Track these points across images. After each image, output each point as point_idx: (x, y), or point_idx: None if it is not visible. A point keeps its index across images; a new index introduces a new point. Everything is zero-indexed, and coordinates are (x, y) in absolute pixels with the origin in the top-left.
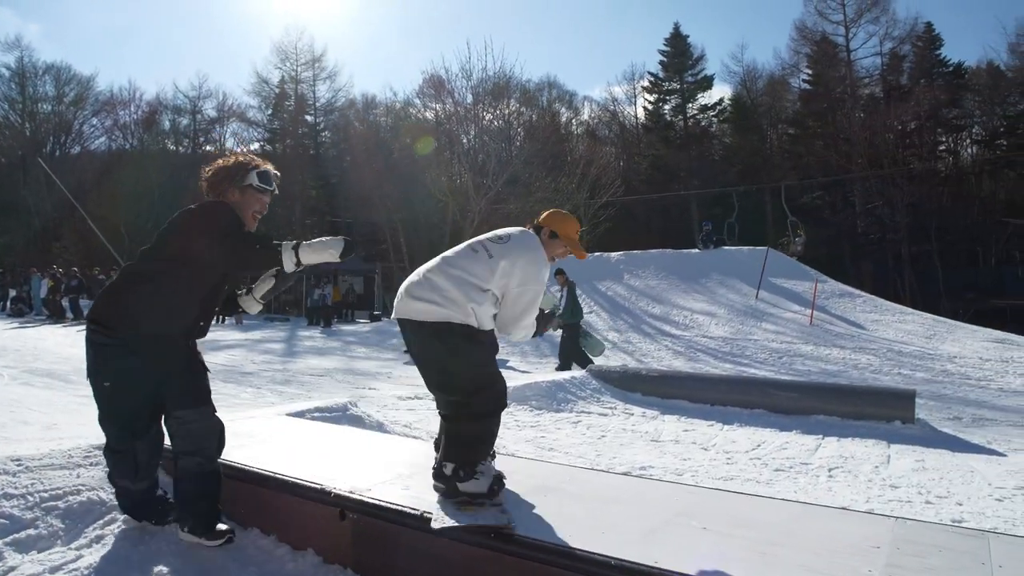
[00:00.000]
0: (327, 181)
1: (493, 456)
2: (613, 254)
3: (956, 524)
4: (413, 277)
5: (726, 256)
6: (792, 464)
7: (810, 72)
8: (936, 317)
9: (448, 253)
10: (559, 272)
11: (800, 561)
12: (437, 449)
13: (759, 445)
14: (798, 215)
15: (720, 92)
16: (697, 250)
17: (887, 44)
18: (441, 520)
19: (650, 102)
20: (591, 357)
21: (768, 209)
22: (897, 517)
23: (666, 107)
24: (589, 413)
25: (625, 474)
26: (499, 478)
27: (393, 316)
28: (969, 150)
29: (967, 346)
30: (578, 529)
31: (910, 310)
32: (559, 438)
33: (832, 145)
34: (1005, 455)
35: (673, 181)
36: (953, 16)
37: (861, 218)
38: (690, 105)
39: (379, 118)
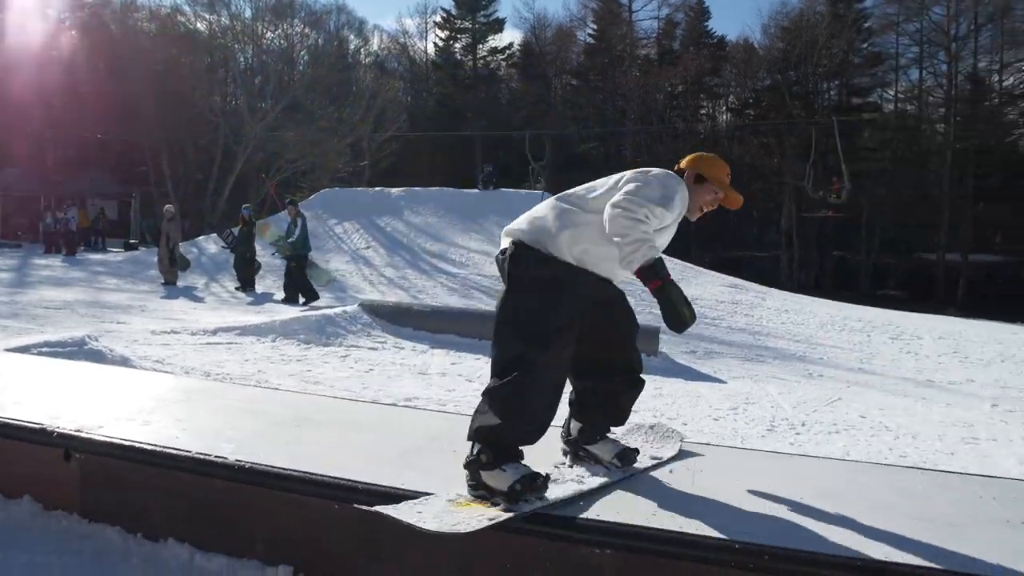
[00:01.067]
0: (75, 90)
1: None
2: (394, 190)
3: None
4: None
5: (505, 197)
6: None
7: (595, 27)
8: (685, 263)
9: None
10: (291, 203)
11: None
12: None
13: None
14: (572, 163)
15: (511, 37)
16: (478, 190)
17: (664, 10)
18: (416, 517)
19: (441, 39)
20: (317, 288)
21: (548, 153)
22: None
23: (457, 45)
24: (359, 347)
25: (392, 404)
26: (533, 478)
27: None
28: (724, 116)
29: (708, 289)
30: (334, 456)
31: (663, 255)
32: (325, 372)
33: (609, 100)
34: (726, 382)
35: (459, 121)
36: None
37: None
38: (481, 46)
39: (141, 23)
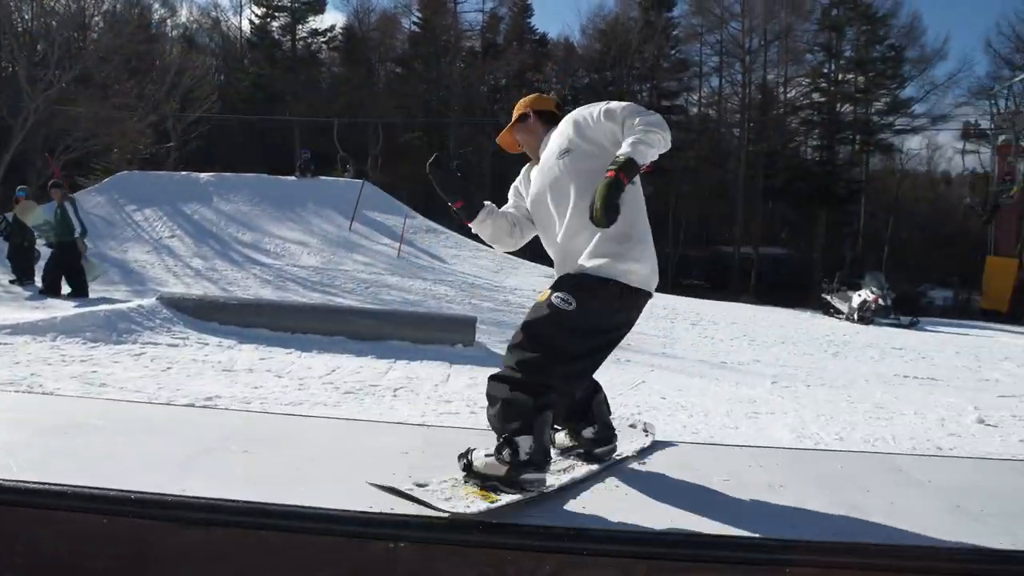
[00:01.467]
0: None
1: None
2: (203, 175)
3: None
4: None
5: (323, 186)
6: (362, 387)
7: (420, 16)
8: (505, 255)
9: None
10: (55, 186)
11: (335, 472)
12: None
13: (334, 370)
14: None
15: (333, 19)
16: (294, 178)
17: (489, 3)
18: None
19: (258, 16)
20: (89, 280)
21: (371, 142)
22: (430, 425)
23: (275, 24)
24: (156, 344)
25: (189, 405)
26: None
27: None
28: None
29: (526, 280)
30: (109, 465)
31: (484, 247)
32: (115, 372)
33: (434, 90)
34: None
35: (277, 104)
36: None
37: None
38: (300, 26)
39: None
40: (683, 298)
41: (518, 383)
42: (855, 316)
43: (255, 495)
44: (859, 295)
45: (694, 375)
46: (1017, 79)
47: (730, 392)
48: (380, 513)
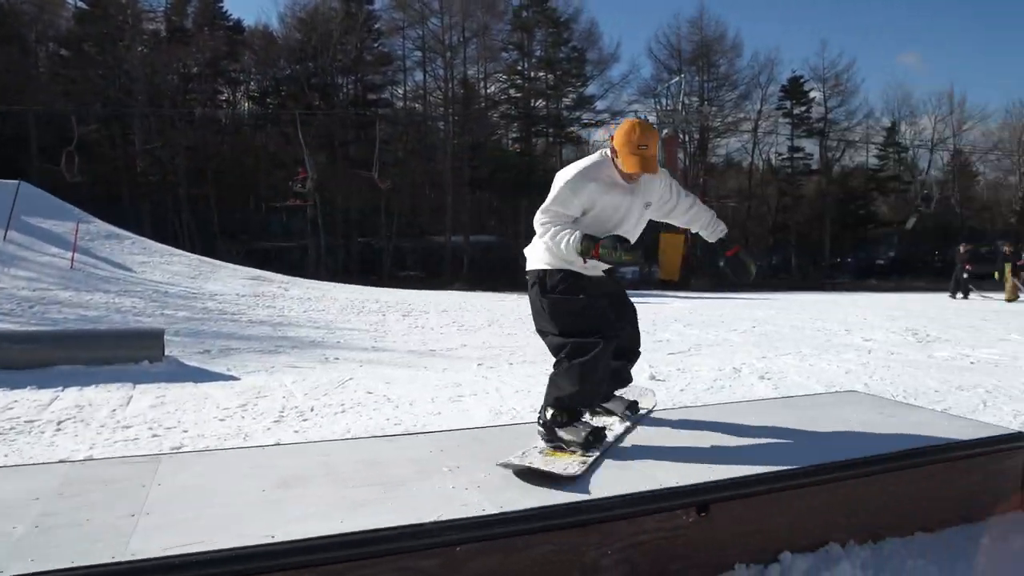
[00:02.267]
0: None
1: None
2: None
3: (137, 455)
4: None
5: None
6: (15, 425)
7: None
8: (203, 258)
9: None
10: None
11: None
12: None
13: None
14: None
15: None
16: None
17: None
18: (543, 462)
19: None
20: None
21: (33, 136)
22: (73, 461)
23: None
24: None
25: None
26: (599, 430)
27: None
28: (246, 104)
29: (228, 284)
30: None
31: (179, 251)
32: None
33: (112, 76)
34: (239, 378)
35: None
36: None
37: (141, 157)
38: None
39: None
40: (395, 290)
41: None
42: None
43: None
44: None
45: (403, 366)
46: (672, 81)
47: (437, 379)
48: None
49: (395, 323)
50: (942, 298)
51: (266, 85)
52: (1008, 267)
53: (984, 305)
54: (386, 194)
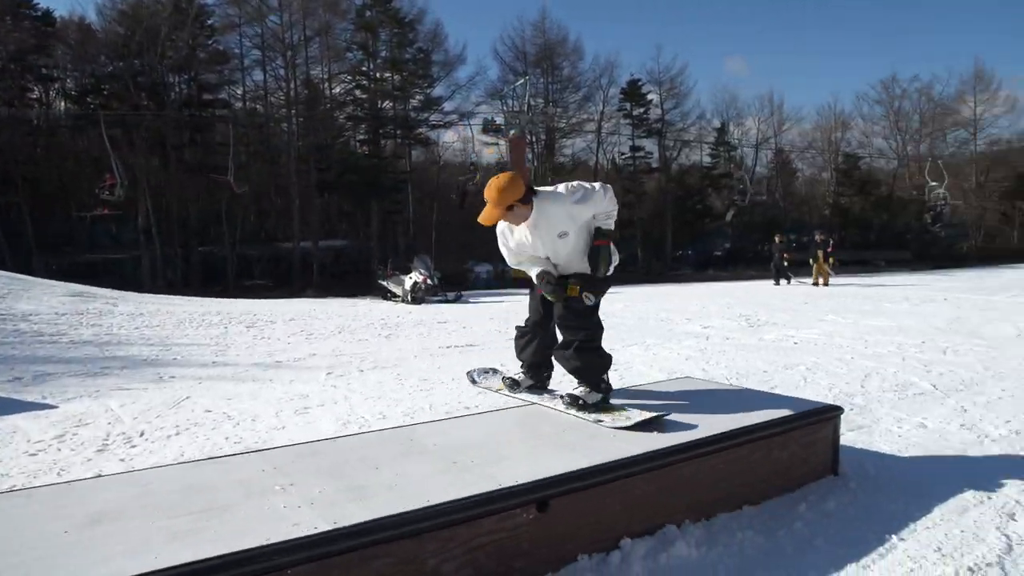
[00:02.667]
0: None
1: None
2: None
3: None
4: None
5: None
6: None
7: None
8: (12, 275)
9: None
10: None
11: None
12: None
13: None
14: None
15: None
16: None
17: None
18: (623, 421)
19: None
20: None
21: None
22: None
23: None
24: None
25: None
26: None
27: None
28: (62, 103)
29: (44, 302)
30: None
31: None
32: None
33: None
34: (56, 406)
35: None
36: None
37: None
38: None
39: None
40: (241, 301)
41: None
42: (408, 297)
43: None
44: (410, 278)
45: (246, 380)
46: (518, 83)
47: (283, 391)
48: None
49: (238, 335)
50: (768, 285)
51: (85, 83)
52: (820, 254)
53: (805, 290)
54: (227, 199)
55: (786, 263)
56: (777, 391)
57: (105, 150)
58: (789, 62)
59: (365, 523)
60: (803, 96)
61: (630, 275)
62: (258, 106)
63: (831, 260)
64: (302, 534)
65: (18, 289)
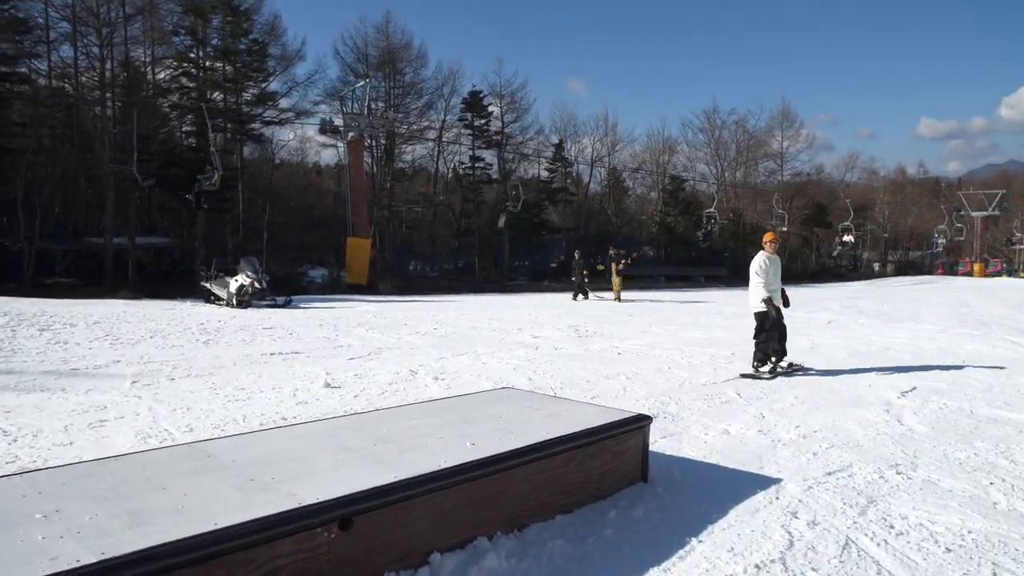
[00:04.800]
0: None
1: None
2: None
3: None
4: None
5: None
6: None
7: None
8: None
9: None
10: None
11: None
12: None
13: None
14: None
15: None
16: None
17: None
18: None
19: None
20: None
21: None
22: None
23: None
24: None
25: None
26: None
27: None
28: None
29: None
30: None
31: None
32: None
33: None
34: None
35: None
36: None
37: None
38: None
39: None
40: (36, 300)
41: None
42: (234, 301)
43: None
44: (236, 280)
45: (32, 390)
46: (358, 85)
47: (77, 403)
48: None
49: (28, 339)
50: (593, 296)
51: None
52: (614, 267)
53: (630, 305)
54: (24, 185)
55: (586, 279)
56: (597, 400)
57: None
58: (624, 86)
59: (140, 552)
60: (635, 117)
61: (465, 283)
62: (66, 84)
63: (620, 275)
64: (59, 569)
65: None
